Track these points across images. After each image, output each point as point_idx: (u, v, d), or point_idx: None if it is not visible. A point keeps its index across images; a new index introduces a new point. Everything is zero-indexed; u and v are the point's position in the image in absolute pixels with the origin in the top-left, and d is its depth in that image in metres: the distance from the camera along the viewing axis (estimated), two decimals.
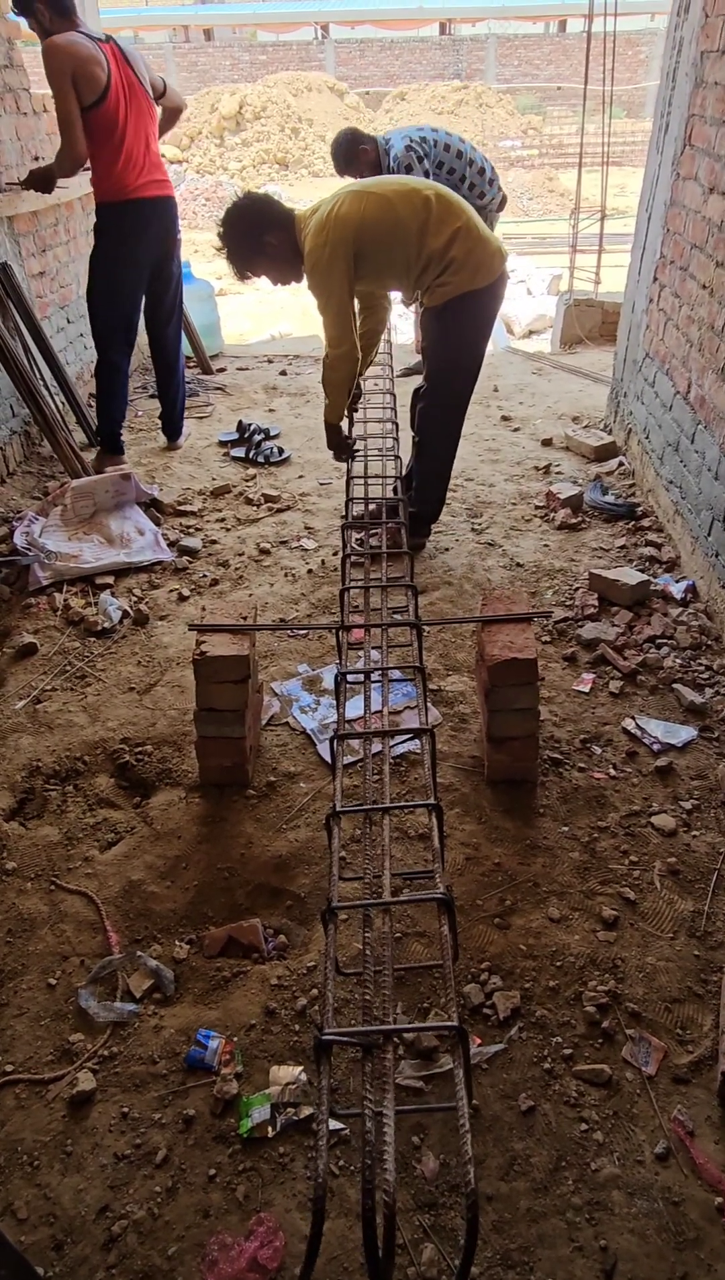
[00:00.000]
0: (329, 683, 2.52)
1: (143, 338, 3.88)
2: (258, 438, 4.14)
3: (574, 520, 3.35)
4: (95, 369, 3.76)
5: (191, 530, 3.40)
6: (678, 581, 2.88)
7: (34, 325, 3.69)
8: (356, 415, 2.97)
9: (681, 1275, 1.28)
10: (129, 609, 2.88)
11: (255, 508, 3.58)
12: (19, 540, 3.09)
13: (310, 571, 3.10)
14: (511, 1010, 1.62)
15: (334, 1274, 1.29)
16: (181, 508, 3.55)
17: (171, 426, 4.09)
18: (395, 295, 3.03)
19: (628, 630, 2.68)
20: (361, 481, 2.62)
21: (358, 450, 2.78)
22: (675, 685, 2.44)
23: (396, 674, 2.31)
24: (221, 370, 5.30)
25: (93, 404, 4.08)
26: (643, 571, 2.93)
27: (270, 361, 5.51)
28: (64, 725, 2.37)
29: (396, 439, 2.79)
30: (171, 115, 3.65)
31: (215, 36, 23.70)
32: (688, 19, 3.05)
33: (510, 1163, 1.41)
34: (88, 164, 3.31)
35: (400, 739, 2.14)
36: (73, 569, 3.02)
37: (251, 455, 4.03)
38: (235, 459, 4.04)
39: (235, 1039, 1.59)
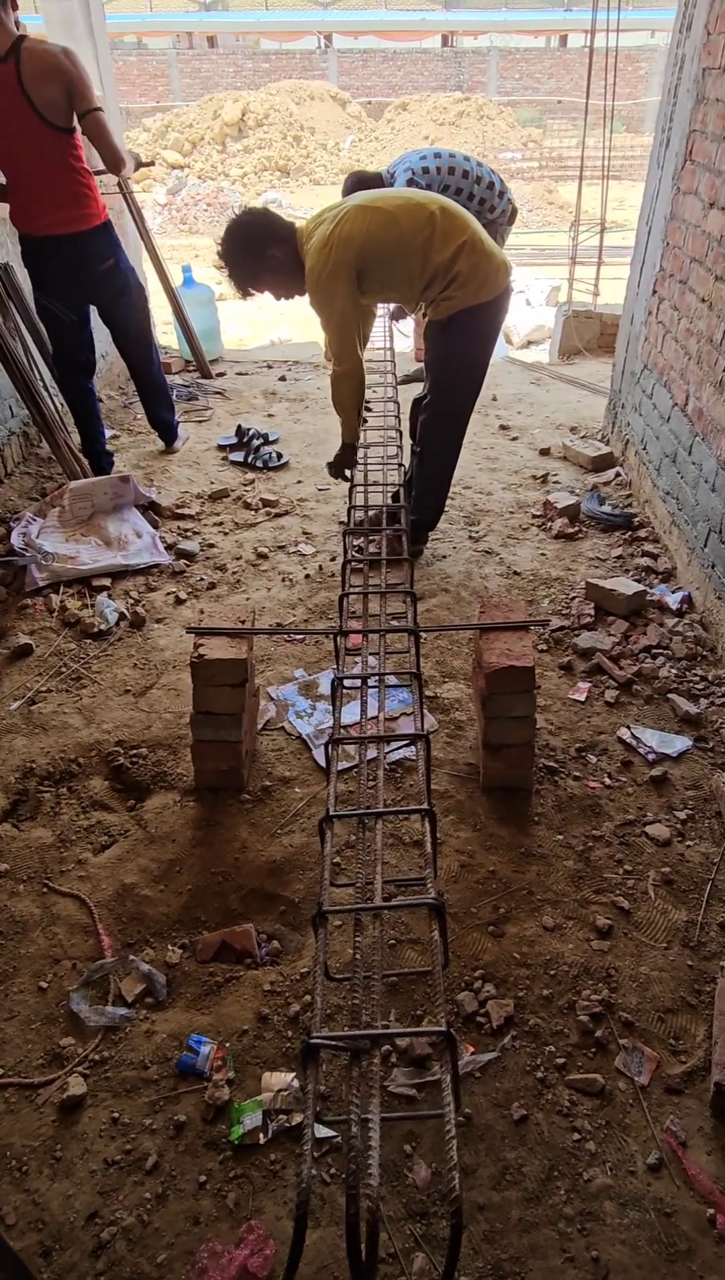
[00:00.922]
0: (325, 688, 2.52)
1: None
2: (256, 442, 4.14)
3: (571, 530, 3.36)
4: None
5: (189, 534, 3.40)
6: (674, 592, 2.89)
7: (34, 326, 3.69)
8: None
9: None
10: (125, 611, 2.87)
11: (253, 512, 3.58)
12: (16, 541, 3.08)
13: (307, 577, 3.10)
14: (505, 1019, 1.62)
15: None
16: (179, 511, 3.55)
17: (162, 433, 4.09)
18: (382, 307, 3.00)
19: (624, 640, 2.69)
20: (362, 489, 2.62)
21: (358, 464, 2.79)
22: (670, 695, 2.45)
23: (393, 680, 2.32)
24: (221, 375, 5.31)
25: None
26: (639, 581, 2.94)
27: (270, 367, 5.52)
28: (59, 727, 2.37)
29: (399, 446, 2.79)
30: (94, 141, 3.08)
31: (219, 43, 23.81)
32: (689, 36, 3.08)
33: (502, 1172, 1.41)
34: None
35: (396, 744, 2.14)
36: (70, 570, 3.01)
37: (250, 460, 4.03)
38: (234, 463, 4.05)
39: (227, 1045, 1.59)
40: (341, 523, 2.43)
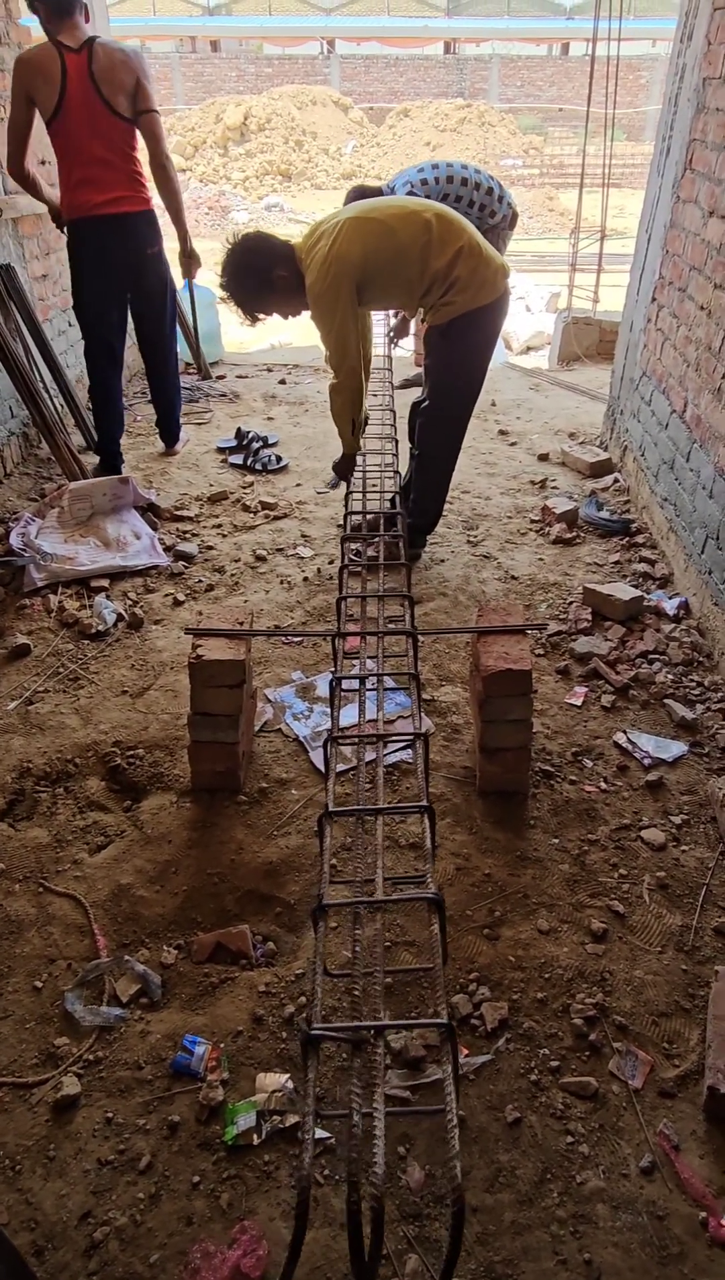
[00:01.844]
0: (323, 690, 2.52)
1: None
2: (256, 445, 4.15)
3: (569, 535, 3.37)
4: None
5: (188, 535, 3.40)
6: (671, 598, 2.90)
7: (35, 327, 3.70)
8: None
9: None
10: (124, 612, 2.87)
11: (252, 515, 3.59)
12: (15, 541, 3.09)
13: (306, 579, 3.11)
14: (499, 1021, 1.62)
15: None
16: (179, 513, 3.56)
17: (167, 433, 4.10)
18: (378, 315, 3.02)
19: (620, 645, 2.70)
20: (359, 494, 2.63)
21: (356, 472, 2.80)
22: (667, 700, 2.46)
23: (390, 682, 2.32)
24: (221, 377, 5.32)
25: (92, 407, 4.08)
26: (636, 587, 2.95)
27: (270, 370, 5.54)
28: (56, 727, 2.37)
29: (395, 454, 2.80)
30: (146, 138, 3.37)
31: (222, 48, 23.89)
32: (690, 46, 3.10)
33: (495, 1174, 1.41)
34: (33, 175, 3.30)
35: (393, 745, 2.15)
36: (68, 571, 3.02)
37: (249, 462, 4.04)
38: (233, 466, 4.06)
39: (222, 1045, 1.59)
40: (339, 526, 2.44)
